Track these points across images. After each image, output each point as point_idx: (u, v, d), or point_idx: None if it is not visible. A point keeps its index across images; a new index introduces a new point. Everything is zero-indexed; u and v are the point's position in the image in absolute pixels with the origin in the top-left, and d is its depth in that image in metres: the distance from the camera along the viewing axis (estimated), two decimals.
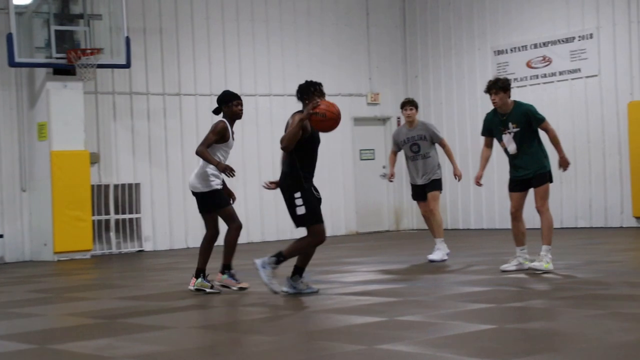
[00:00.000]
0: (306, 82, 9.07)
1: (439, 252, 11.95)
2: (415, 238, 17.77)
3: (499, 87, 10.06)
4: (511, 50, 19.09)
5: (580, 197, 17.96)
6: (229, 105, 9.49)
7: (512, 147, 10.02)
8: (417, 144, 12.22)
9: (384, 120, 20.79)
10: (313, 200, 8.77)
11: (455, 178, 12.29)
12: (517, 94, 18.77)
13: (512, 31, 19.11)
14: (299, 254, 8.88)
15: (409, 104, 12.36)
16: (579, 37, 17.99)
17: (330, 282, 9.98)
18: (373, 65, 20.72)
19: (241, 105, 9.53)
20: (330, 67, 19.95)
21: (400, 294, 8.87)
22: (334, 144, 19.78)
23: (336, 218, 19.57)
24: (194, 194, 9.71)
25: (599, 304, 7.52)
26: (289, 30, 19.62)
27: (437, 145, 12.32)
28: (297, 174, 8.74)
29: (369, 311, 7.79)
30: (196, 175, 9.61)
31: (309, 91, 8.91)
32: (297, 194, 8.70)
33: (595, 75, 17.76)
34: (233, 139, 9.57)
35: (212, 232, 9.77)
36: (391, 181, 12.83)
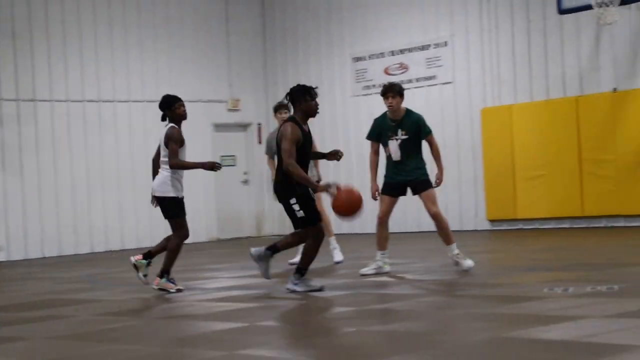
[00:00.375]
0: (299, 85, 9.02)
1: (338, 252, 12.16)
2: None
3: (396, 91, 10.01)
4: (369, 57, 19.38)
5: (438, 201, 18.32)
6: (172, 109, 9.57)
7: (396, 155, 10.03)
8: None
9: (244, 127, 20.79)
10: (309, 203, 8.84)
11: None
12: (376, 100, 19.10)
13: (370, 38, 19.41)
14: (312, 259, 8.98)
15: (283, 108, 12.41)
16: (434, 44, 18.42)
17: (191, 288, 9.91)
18: (233, 71, 20.70)
19: (183, 106, 9.62)
20: (190, 73, 19.83)
21: (261, 299, 8.88)
22: (194, 150, 19.61)
23: (197, 224, 19.37)
24: (159, 198, 9.70)
25: (455, 305, 7.71)
26: (148, 35, 19.39)
27: None
28: (290, 180, 8.75)
29: (230, 317, 7.77)
30: (163, 181, 9.64)
31: (303, 96, 8.88)
32: (293, 200, 8.77)
33: (450, 82, 18.22)
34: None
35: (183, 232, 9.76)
36: None
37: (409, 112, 10.14)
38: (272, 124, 20.28)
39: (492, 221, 17.56)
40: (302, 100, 8.87)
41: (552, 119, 16.70)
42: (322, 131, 19.84)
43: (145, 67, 19.25)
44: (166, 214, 9.68)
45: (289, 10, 20.75)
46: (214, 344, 6.52)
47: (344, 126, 19.41)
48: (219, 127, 20.28)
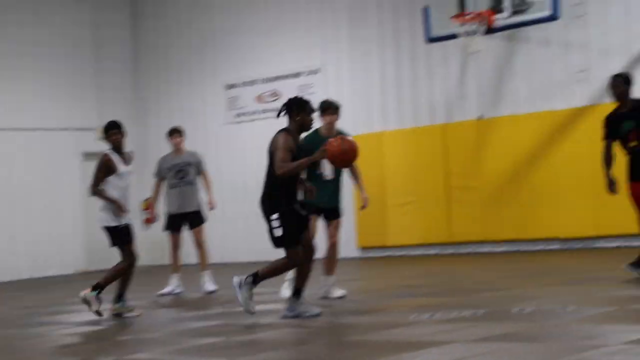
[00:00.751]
0: (297, 97, 8.70)
1: (210, 282, 12.09)
2: (147, 274, 17.59)
3: (335, 108, 9.81)
4: (242, 84, 19.43)
5: None
6: (107, 135, 9.85)
7: (330, 172, 9.79)
8: (183, 170, 12.30)
9: None
10: (292, 222, 8.36)
11: (210, 208, 12.43)
12: (249, 128, 19.18)
13: (243, 66, 19.46)
14: (275, 275, 8.58)
15: (176, 132, 12.51)
16: (307, 72, 18.60)
17: (57, 322, 9.70)
18: (103, 97, 20.39)
19: (117, 134, 9.81)
20: (58, 101, 19.47)
21: (130, 331, 8.76)
22: (63, 180, 19.28)
23: (64, 256, 19.03)
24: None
25: (325, 333, 7.76)
26: (14, 61, 18.91)
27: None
28: (276, 194, 8.37)
29: (97, 351, 7.64)
30: (99, 210, 9.79)
31: (301, 109, 8.53)
32: (275, 216, 8.32)
33: None
34: (127, 165, 9.84)
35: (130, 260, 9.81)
36: (150, 223, 12.51)
37: (339, 130, 9.97)
38: (142, 152, 20.12)
39: (363, 248, 17.74)
40: (300, 112, 8.53)
41: (420, 146, 17.04)
42: None
43: (11, 94, 18.77)
44: (115, 243, 9.81)
45: (161, 38, 20.64)
46: None
47: (216, 155, 19.31)
48: (89, 155, 19.88)
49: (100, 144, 19.64)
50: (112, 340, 8.23)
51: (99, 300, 9.61)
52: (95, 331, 8.95)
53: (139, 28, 21.04)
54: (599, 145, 14.97)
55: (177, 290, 12.27)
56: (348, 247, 17.83)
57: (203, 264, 12.29)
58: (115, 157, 9.79)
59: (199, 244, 12.39)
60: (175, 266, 12.40)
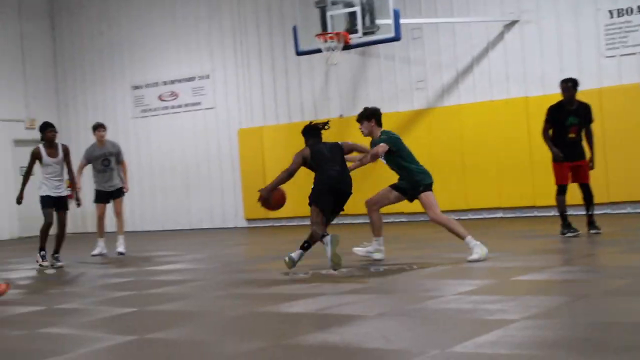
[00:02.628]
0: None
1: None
2: (75, 240, 17.12)
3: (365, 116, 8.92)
4: (146, 86, 19.05)
5: (205, 204, 18.33)
6: (44, 133, 10.54)
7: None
8: (107, 159, 11.97)
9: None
10: None
11: (124, 190, 12.11)
12: (153, 122, 18.84)
13: (146, 70, 19.07)
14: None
15: (101, 127, 12.09)
16: (199, 77, 18.38)
17: None
18: (29, 94, 19.69)
19: (53, 131, 10.56)
20: None
21: (58, 285, 8.52)
22: None
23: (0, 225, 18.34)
24: None
25: (218, 287, 7.72)
26: None
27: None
28: None
29: (29, 302, 7.40)
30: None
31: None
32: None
33: (213, 108, 18.23)
34: (56, 156, 10.53)
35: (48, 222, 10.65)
36: (72, 199, 11.77)
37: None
38: (64, 139, 19.51)
39: (249, 220, 17.69)
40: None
41: (294, 138, 16.99)
42: None
43: None
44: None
45: (76, 45, 20.04)
46: (15, 325, 6.18)
47: (125, 144, 18.88)
48: (19, 142, 19.23)
49: (28, 132, 19.31)
50: (42, 294, 7.97)
51: (43, 257, 10.55)
52: (25, 286, 8.66)
53: (57, 37, 20.33)
54: (436, 140, 15.45)
55: (104, 252, 12.03)
56: (237, 218, 17.83)
57: (120, 230, 12.06)
58: (42, 151, 10.39)
59: (118, 213, 12.14)
60: (101, 232, 12.14)
